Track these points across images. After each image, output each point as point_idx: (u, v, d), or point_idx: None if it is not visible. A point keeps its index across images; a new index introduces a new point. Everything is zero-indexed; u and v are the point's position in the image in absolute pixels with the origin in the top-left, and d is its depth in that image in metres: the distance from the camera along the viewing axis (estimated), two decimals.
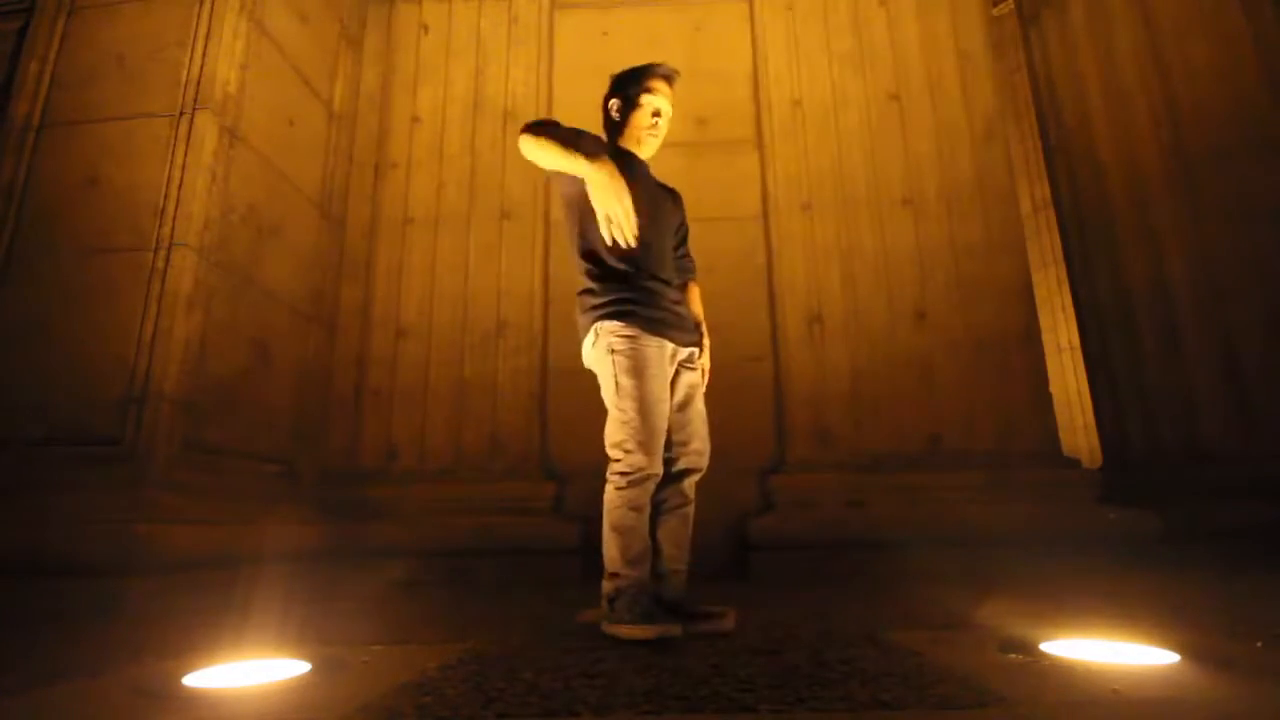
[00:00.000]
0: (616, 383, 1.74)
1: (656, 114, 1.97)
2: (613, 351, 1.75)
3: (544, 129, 1.79)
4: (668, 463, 1.80)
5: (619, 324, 1.75)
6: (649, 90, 1.96)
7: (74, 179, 2.70)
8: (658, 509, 1.80)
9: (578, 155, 1.73)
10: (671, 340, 1.82)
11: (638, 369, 1.73)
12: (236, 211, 2.88)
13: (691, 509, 1.87)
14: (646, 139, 1.98)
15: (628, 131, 1.99)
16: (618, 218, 1.70)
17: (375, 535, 3.15)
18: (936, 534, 2.94)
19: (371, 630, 1.89)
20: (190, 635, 1.77)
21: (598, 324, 1.78)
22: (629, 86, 1.98)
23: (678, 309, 1.87)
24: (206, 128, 2.73)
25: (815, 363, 3.46)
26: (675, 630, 1.56)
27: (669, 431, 1.80)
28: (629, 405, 1.71)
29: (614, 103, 2.00)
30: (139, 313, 2.54)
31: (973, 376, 3.36)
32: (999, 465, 3.19)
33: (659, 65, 1.99)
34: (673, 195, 2.06)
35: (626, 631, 1.59)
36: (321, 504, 3.22)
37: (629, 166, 1.91)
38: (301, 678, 1.27)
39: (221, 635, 1.73)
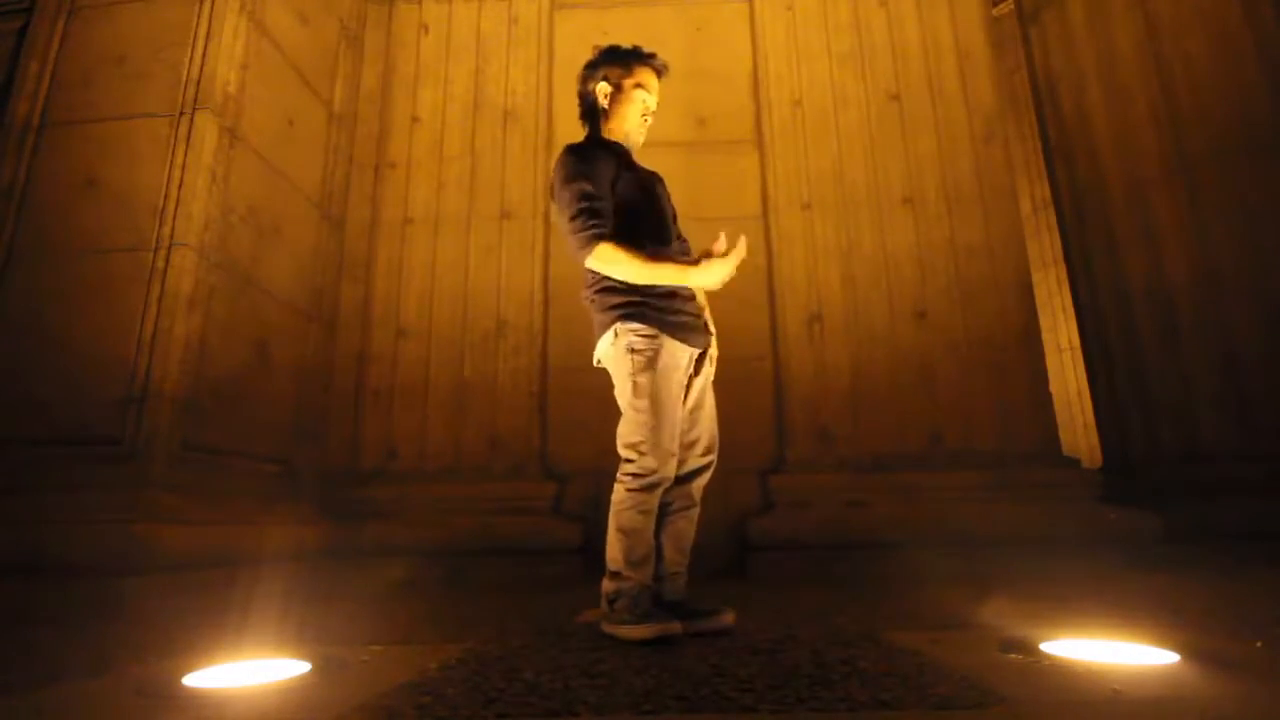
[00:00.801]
0: (634, 382, 1.72)
1: (646, 115, 1.93)
2: (632, 350, 1.73)
3: (622, 247, 1.72)
4: (677, 464, 1.79)
5: (641, 324, 1.74)
6: (640, 86, 1.90)
7: (74, 179, 2.70)
8: (664, 510, 1.79)
9: (671, 264, 1.74)
10: (691, 344, 1.80)
11: (657, 369, 1.71)
12: (236, 211, 2.88)
13: (697, 511, 1.85)
14: (634, 135, 1.94)
15: (614, 123, 1.93)
16: (732, 267, 1.74)
17: (375, 535, 3.15)
18: (936, 534, 2.93)
19: (371, 630, 1.89)
20: (190, 635, 1.77)
21: (618, 324, 1.76)
22: (618, 74, 1.91)
23: (693, 309, 1.86)
24: (206, 128, 2.73)
25: (815, 362, 3.45)
26: (675, 628, 1.56)
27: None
28: (645, 405, 1.69)
29: (602, 87, 1.93)
30: (139, 313, 2.54)
31: (973, 376, 3.36)
32: (999, 465, 3.19)
33: (652, 56, 1.93)
34: (661, 180, 2.02)
35: (626, 632, 1.59)
36: (321, 504, 3.22)
37: (626, 162, 1.88)
38: (301, 678, 1.27)
39: (222, 635, 1.73)
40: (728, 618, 1.70)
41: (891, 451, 3.29)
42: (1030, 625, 1.52)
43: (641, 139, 1.98)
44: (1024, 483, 3.13)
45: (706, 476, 1.87)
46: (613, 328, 1.77)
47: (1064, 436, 3.56)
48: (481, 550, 3.12)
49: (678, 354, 1.76)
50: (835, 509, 3.15)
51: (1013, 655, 1.32)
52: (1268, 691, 1.04)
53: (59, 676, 1.32)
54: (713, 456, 1.88)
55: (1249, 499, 2.88)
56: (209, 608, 2.24)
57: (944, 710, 1.00)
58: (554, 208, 1.87)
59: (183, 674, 1.27)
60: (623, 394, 1.77)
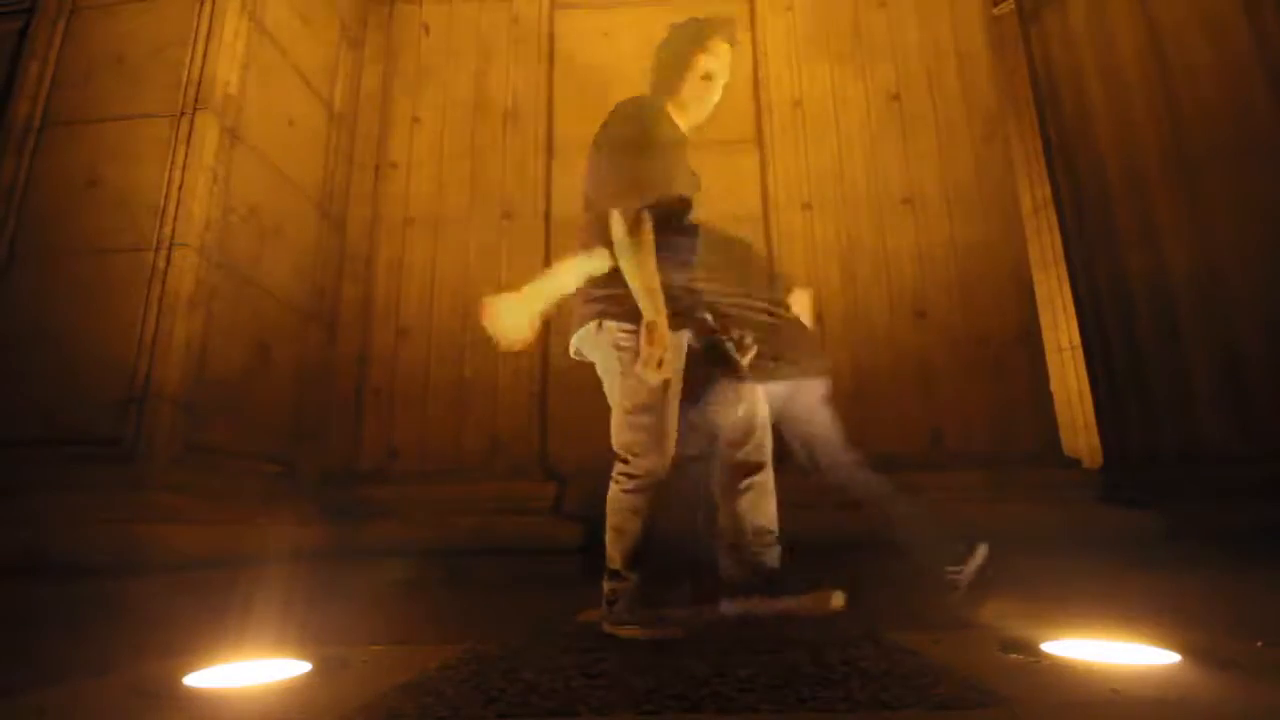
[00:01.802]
0: (624, 381, 1.65)
1: (708, 76, 1.82)
2: (619, 348, 1.65)
3: (647, 241, 1.60)
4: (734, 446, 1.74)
5: (626, 322, 1.65)
6: (704, 49, 1.80)
7: (74, 179, 2.70)
8: (734, 476, 1.76)
9: (657, 297, 1.59)
10: (684, 328, 1.70)
11: None
12: (237, 212, 2.88)
13: (768, 476, 1.85)
14: (693, 105, 1.84)
15: (677, 97, 1.84)
16: (653, 366, 1.57)
17: (375, 535, 3.15)
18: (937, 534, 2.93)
19: (371, 630, 1.89)
20: (191, 635, 1.77)
21: (604, 320, 1.68)
22: (684, 42, 1.82)
23: (687, 296, 1.74)
24: (207, 128, 2.73)
25: None
26: (675, 633, 1.56)
27: (717, 417, 1.75)
28: (637, 405, 1.63)
29: (668, 58, 1.85)
30: (139, 313, 2.54)
31: (973, 376, 3.36)
32: (999, 465, 3.19)
33: (723, 24, 1.83)
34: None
35: (626, 632, 1.59)
36: (322, 504, 3.22)
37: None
38: (302, 678, 1.27)
39: (222, 635, 1.73)
40: (837, 600, 1.65)
41: (892, 451, 3.28)
42: (1030, 625, 1.52)
43: (702, 116, 1.88)
44: (1024, 483, 3.13)
45: (759, 436, 1.80)
46: (595, 321, 1.70)
47: (1064, 436, 3.55)
48: (482, 550, 3.12)
49: (672, 341, 1.64)
50: (835, 509, 3.14)
51: (1013, 655, 1.32)
52: (1267, 691, 1.04)
53: (60, 676, 1.32)
54: (762, 416, 1.81)
55: (1250, 498, 2.88)
56: (209, 608, 2.24)
57: (945, 710, 1.00)
58: (593, 154, 1.75)
59: (183, 674, 1.27)
60: (611, 392, 1.71)
